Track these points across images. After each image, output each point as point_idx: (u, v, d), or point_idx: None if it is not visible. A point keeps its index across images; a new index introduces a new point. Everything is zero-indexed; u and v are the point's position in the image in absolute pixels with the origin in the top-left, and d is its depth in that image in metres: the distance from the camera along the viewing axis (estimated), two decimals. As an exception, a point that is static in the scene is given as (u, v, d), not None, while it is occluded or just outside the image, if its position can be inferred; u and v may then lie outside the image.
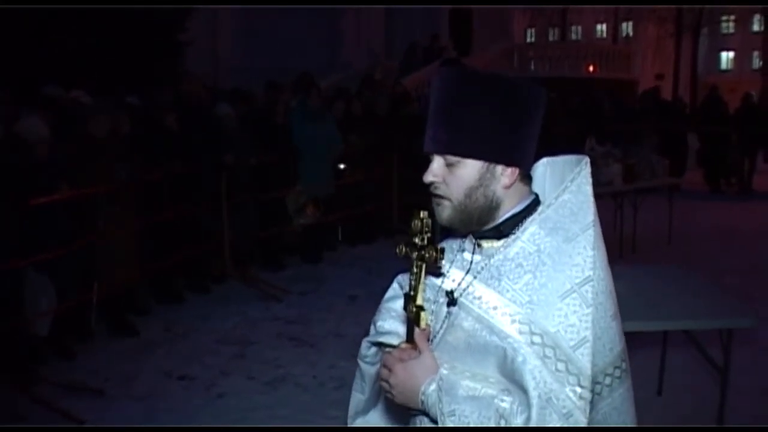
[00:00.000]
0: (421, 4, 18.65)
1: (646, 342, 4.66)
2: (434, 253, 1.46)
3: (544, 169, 1.62)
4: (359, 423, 1.78)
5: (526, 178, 1.57)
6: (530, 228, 1.50)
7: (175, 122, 6.53)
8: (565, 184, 1.52)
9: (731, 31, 45.87)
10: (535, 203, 1.55)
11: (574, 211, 1.49)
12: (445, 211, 1.53)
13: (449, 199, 1.52)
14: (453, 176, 1.51)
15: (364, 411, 1.78)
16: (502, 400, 1.41)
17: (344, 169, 8.72)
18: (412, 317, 1.50)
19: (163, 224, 6.34)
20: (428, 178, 1.53)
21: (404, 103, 9.90)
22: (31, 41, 9.76)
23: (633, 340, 4.26)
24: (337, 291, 7.04)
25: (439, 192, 1.53)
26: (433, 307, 1.61)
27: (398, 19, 19.00)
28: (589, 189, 1.52)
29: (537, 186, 1.60)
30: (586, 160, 1.57)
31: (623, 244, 8.06)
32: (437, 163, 1.52)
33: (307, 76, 9.98)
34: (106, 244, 5.79)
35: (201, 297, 6.85)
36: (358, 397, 1.78)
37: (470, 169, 1.50)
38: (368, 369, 1.72)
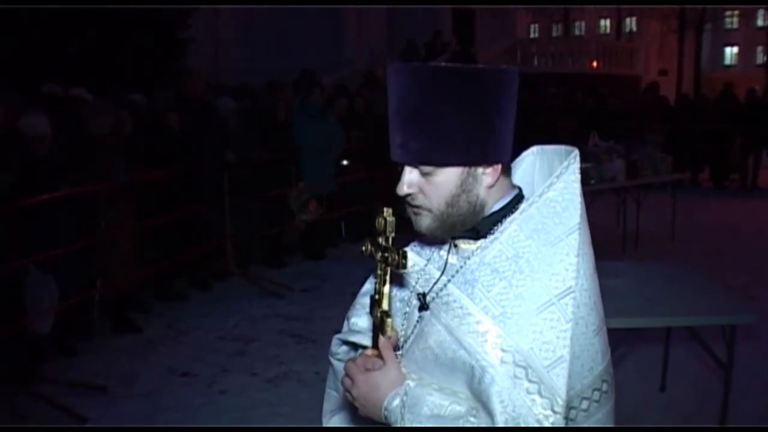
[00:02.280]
0: (422, 4, 18.62)
1: (650, 338, 4.66)
2: (396, 257, 1.34)
3: (533, 158, 1.50)
4: (335, 421, 1.67)
5: (508, 169, 1.43)
6: (510, 228, 1.37)
7: (177, 120, 6.52)
8: (551, 180, 1.38)
9: (735, 26, 45.81)
10: (517, 199, 1.42)
11: (559, 212, 1.35)
12: (425, 221, 1.40)
13: (429, 210, 1.39)
14: (431, 185, 1.37)
15: (340, 408, 1.67)
16: (469, 422, 1.29)
17: (347, 165, 8.72)
18: (377, 323, 1.39)
19: (166, 222, 6.33)
20: (403, 190, 1.39)
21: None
22: (32, 39, 9.76)
23: (636, 337, 4.26)
24: (339, 288, 7.01)
25: (416, 203, 1.40)
26: (407, 308, 1.50)
27: (400, 16, 18.96)
28: (577, 186, 1.37)
29: (525, 177, 1.49)
30: (576, 153, 1.41)
31: (626, 240, 8.05)
32: (411, 174, 1.38)
33: (309, 74, 9.98)
34: (109, 242, 5.79)
35: (203, 294, 6.85)
36: (332, 395, 1.68)
37: (450, 175, 1.35)
38: (340, 366, 1.58)
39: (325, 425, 1.69)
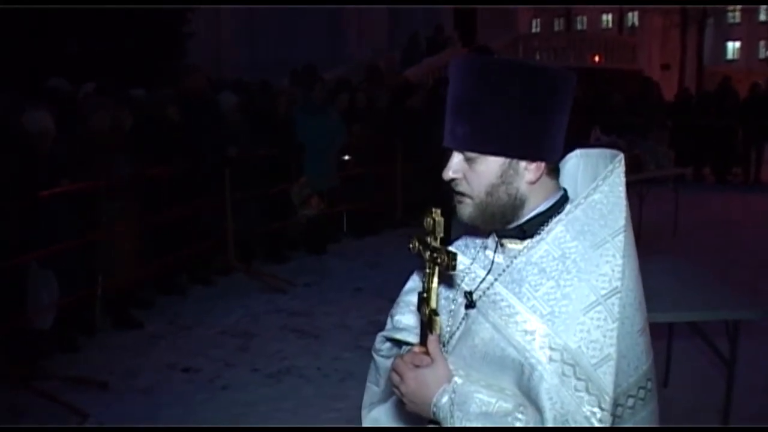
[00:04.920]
0: (422, 4, 18.58)
1: (652, 334, 4.62)
2: (446, 258, 1.36)
3: (576, 161, 1.52)
4: (375, 413, 1.72)
5: (554, 171, 1.46)
6: (556, 229, 1.39)
7: (177, 116, 6.51)
8: (597, 183, 1.41)
9: (737, 21, 45.68)
10: (563, 200, 1.45)
11: (605, 214, 1.39)
12: (467, 209, 1.44)
13: (470, 197, 1.42)
14: (473, 173, 1.41)
15: (380, 401, 1.71)
16: (517, 419, 1.33)
17: (348, 160, 8.71)
18: (425, 321, 1.42)
19: (167, 218, 6.32)
20: (447, 174, 1.44)
21: (407, 95, 9.87)
22: (33, 35, 9.75)
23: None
24: (341, 283, 7.02)
25: (459, 189, 1.44)
26: (452, 306, 1.53)
27: (401, 10, 18.92)
28: (622, 190, 1.41)
29: (568, 180, 1.51)
30: (621, 157, 1.44)
31: (628, 235, 8.01)
32: (456, 158, 1.42)
33: (310, 69, 9.96)
34: (110, 238, 5.78)
35: (205, 290, 6.85)
36: (372, 389, 1.72)
37: (491, 165, 1.39)
38: (383, 362, 1.65)
39: (364, 417, 1.74)
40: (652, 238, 8.23)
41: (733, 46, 48.43)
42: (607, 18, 45.99)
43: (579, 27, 44.68)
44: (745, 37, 46.96)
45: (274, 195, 7.59)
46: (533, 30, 40.25)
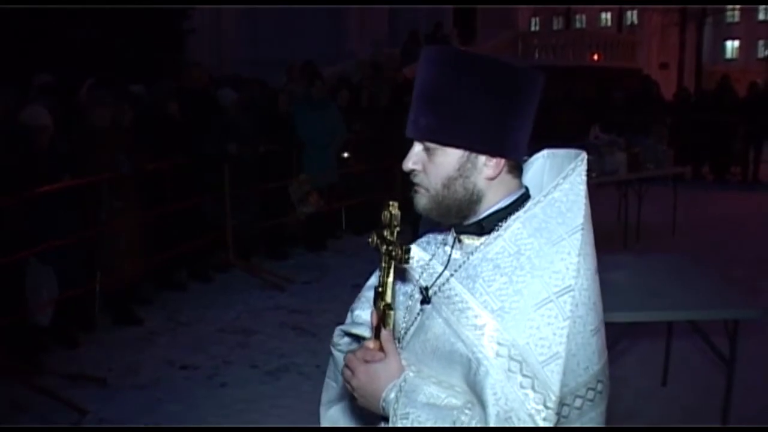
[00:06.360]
0: (423, 4, 18.56)
1: (651, 332, 4.65)
2: (399, 252, 1.35)
3: (543, 161, 1.51)
4: (332, 412, 1.70)
5: (516, 169, 1.45)
6: (513, 225, 1.38)
7: (178, 112, 6.50)
8: (557, 181, 1.39)
9: (736, 19, 45.65)
10: (524, 198, 1.44)
11: (563, 212, 1.36)
12: (422, 200, 1.44)
13: (426, 189, 1.42)
14: (432, 164, 1.41)
15: (338, 399, 1.69)
16: (464, 413, 1.30)
17: (348, 157, 8.71)
18: (380, 315, 1.40)
19: (167, 214, 6.32)
20: (407, 165, 1.44)
21: (406, 92, 9.85)
22: (34, 30, 9.73)
23: (638, 330, 4.24)
24: (340, 280, 7.01)
25: (417, 180, 1.44)
26: (409, 302, 1.52)
27: (402, 7, 18.90)
28: (582, 188, 1.38)
29: (534, 180, 1.49)
30: (583, 156, 1.42)
31: (627, 233, 8.04)
32: (417, 149, 1.43)
33: (310, 66, 9.95)
34: (110, 234, 5.78)
35: (204, 286, 6.85)
36: (331, 386, 1.70)
37: (450, 157, 1.39)
38: (341, 357, 1.60)
39: (322, 416, 1.71)
40: (651, 236, 8.25)
41: (731, 45, 48.37)
42: (606, 16, 45.92)
43: (578, 25, 44.61)
44: (744, 36, 46.91)
45: (273, 192, 7.58)
46: (532, 28, 40.21)
